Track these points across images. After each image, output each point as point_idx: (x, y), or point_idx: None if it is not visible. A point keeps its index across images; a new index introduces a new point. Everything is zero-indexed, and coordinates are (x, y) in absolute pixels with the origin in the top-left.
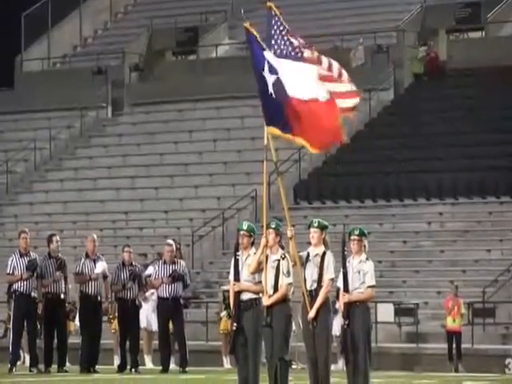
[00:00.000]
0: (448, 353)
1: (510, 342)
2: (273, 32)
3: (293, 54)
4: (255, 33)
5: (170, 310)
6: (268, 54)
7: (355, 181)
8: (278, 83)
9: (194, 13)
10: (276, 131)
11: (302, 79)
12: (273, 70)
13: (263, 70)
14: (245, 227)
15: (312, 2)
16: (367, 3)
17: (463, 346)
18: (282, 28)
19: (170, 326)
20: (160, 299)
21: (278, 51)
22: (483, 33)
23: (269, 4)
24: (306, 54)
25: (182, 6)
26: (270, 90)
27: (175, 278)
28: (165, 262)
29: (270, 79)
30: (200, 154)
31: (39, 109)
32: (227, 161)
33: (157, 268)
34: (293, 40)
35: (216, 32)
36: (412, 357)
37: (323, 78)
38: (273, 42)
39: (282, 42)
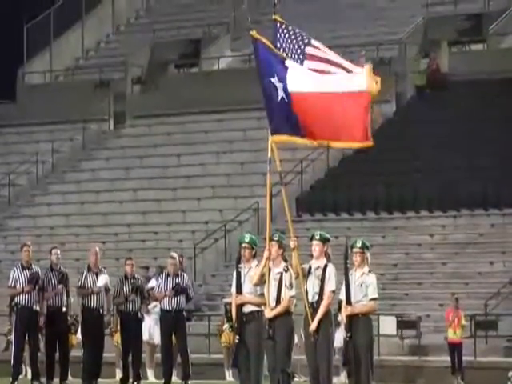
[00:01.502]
0: (451, 365)
1: None
2: (278, 45)
3: (304, 63)
4: (264, 40)
5: (172, 322)
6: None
7: (357, 193)
8: (286, 88)
9: (196, 25)
10: (282, 138)
11: (318, 78)
12: (282, 77)
13: (274, 76)
14: (246, 240)
15: (314, 14)
16: (369, 15)
17: (465, 358)
18: (290, 40)
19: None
20: (163, 312)
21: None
22: (485, 45)
23: (274, 17)
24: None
25: (184, 19)
26: (281, 95)
27: (178, 290)
28: (168, 275)
29: (281, 85)
30: (203, 166)
31: (41, 121)
32: (230, 173)
33: (160, 281)
34: (304, 49)
35: (218, 44)
36: (414, 369)
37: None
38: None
39: (290, 54)
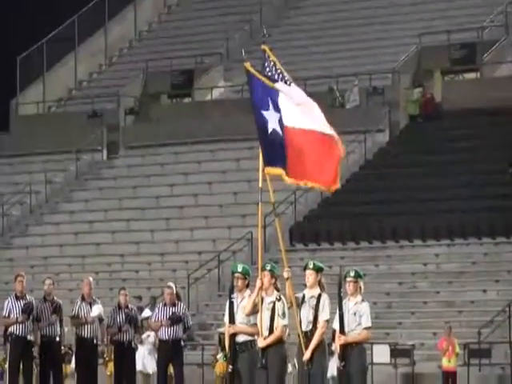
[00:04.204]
0: None
1: (506, 383)
2: (267, 70)
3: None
4: (256, 73)
5: (170, 352)
6: (275, 89)
7: (351, 222)
8: (281, 120)
9: (189, 56)
10: (275, 171)
11: (304, 111)
12: (277, 108)
13: (268, 108)
14: (239, 269)
15: (307, 43)
16: (363, 45)
17: None
18: (273, 71)
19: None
20: (160, 342)
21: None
22: (478, 74)
23: (263, 47)
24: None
25: (177, 49)
26: (273, 127)
27: (174, 320)
28: (165, 305)
29: (274, 117)
30: (195, 196)
31: (35, 152)
32: (223, 203)
33: (157, 310)
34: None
35: (211, 74)
36: None
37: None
38: None
39: (278, 78)
